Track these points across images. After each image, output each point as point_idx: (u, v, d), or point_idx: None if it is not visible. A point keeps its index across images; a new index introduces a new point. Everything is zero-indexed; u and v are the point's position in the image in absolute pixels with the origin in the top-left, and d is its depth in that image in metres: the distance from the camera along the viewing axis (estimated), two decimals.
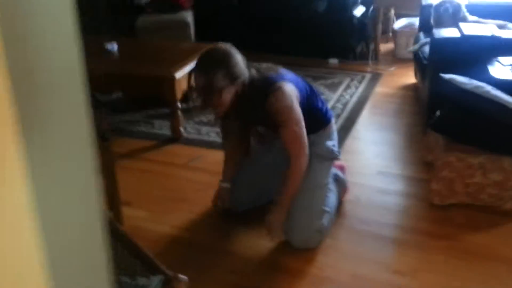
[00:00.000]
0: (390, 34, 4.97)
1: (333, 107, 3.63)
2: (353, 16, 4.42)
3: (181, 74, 3.11)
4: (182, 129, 3.27)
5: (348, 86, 4.01)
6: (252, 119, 2.24)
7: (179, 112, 3.21)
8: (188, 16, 4.51)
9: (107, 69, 3.32)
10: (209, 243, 2.33)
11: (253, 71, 2.12)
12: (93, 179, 0.76)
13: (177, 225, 2.44)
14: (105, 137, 2.04)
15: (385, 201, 2.58)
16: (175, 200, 2.64)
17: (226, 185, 2.42)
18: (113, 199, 2.21)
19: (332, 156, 2.34)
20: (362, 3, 4.60)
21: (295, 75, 2.27)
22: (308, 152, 2.15)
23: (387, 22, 4.98)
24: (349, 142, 3.18)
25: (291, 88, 2.10)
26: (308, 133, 2.17)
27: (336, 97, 3.81)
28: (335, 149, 2.35)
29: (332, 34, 4.51)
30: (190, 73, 2.40)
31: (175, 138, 3.25)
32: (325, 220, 2.23)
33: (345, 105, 3.67)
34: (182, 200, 2.64)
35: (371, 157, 3.04)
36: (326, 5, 4.46)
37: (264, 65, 2.19)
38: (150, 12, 4.53)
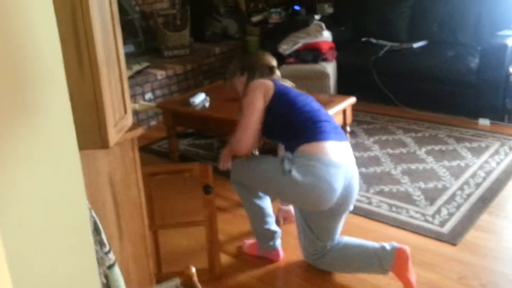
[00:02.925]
0: None
1: (474, 175, 3.25)
2: (509, 74, 3.98)
3: None
4: None
5: (496, 152, 3.58)
6: None
7: None
8: (329, 67, 4.48)
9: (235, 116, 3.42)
10: None
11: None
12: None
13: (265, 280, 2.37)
14: (207, 191, 2.06)
15: None
16: None
17: None
18: (212, 250, 2.22)
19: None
20: None
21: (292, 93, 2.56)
22: (247, 141, 2.32)
23: None
24: (485, 217, 2.79)
25: (260, 82, 2.48)
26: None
27: (480, 163, 3.41)
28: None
29: (485, 92, 4.10)
30: None
31: None
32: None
33: (488, 173, 3.27)
34: None
35: (511, 238, 2.64)
36: (479, 61, 4.10)
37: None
38: (293, 62, 4.60)
